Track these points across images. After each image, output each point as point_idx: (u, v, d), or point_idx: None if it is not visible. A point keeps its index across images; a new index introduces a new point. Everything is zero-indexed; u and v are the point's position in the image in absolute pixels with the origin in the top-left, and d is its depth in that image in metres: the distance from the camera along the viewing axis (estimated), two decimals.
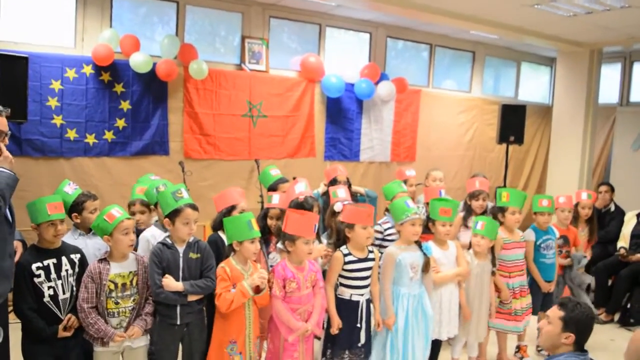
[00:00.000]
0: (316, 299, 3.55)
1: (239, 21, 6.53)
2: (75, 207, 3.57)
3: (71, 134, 5.48)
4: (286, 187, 4.44)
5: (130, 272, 3.22)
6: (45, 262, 3.10)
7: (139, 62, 5.59)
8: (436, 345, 4.24)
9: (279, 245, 3.79)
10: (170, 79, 5.85)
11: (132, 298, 3.20)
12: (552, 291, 4.81)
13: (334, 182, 4.89)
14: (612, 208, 6.70)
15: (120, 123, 5.72)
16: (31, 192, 4.73)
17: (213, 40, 6.57)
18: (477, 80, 8.84)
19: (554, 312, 2.60)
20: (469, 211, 4.87)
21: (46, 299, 3.08)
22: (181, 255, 3.29)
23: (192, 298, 3.27)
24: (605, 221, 6.65)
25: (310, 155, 6.99)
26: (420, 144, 8.03)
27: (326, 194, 4.74)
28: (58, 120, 5.41)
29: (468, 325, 4.29)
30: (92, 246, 3.51)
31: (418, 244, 3.93)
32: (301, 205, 3.82)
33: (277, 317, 3.43)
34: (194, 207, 3.33)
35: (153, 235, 3.57)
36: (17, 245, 3.04)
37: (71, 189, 3.75)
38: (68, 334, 3.12)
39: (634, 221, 6.29)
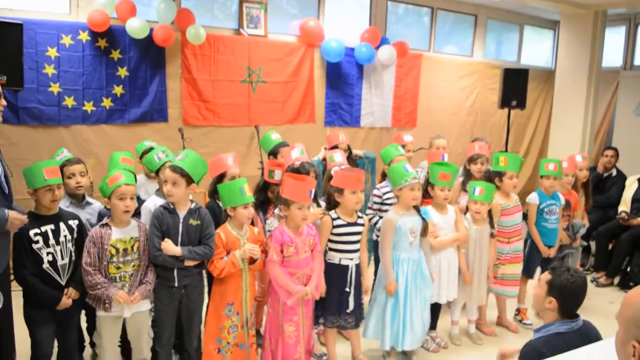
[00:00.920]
0: (315, 263, 3.57)
1: None
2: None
3: (69, 102, 5.43)
4: (285, 150, 4.41)
5: (132, 237, 3.23)
6: (43, 229, 3.10)
7: (135, 27, 5.51)
8: (436, 309, 4.28)
9: (276, 211, 3.80)
10: (167, 45, 5.78)
11: (132, 263, 3.23)
12: (553, 257, 4.82)
13: (335, 148, 4.86)
14: (614, 173, 6.70)
15: (118, 90, 5.67)
16: (30, 160, 4.63)
17: (210, 5, 6.46)
18: (479, 44, 8.72)
19: (545, 275, 2.60)
20: (468, 175, 4.85)
21: (45, 265, 3.10)
22: (181, 220, 3.30)
23: (189, 263, 3.30)
24: (606, 186, 6.66)
25: (310, 121, 6.95)
26: (421, 109, 7.97)
27: (324, 159, 4.72)
28: (55, 88, 5.36)
29: (468, 289, 4.32)
30: (82, 214, 3.51)
31: (416, 208, 3.93)
32: (297, 170, 3.81)
33: (275, 282, 3.46)
34: (174, 169, 3.28)
35: (155, 204, 3.57)
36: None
37: (60, 158, 3.74)
38: (69, 304, 3.15)
39: (635, 185, 6.30)
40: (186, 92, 6.07)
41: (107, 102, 5.63)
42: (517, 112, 8.30)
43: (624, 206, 6.25)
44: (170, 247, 3.23)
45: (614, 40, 9.13)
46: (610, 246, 6.21)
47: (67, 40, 5.37)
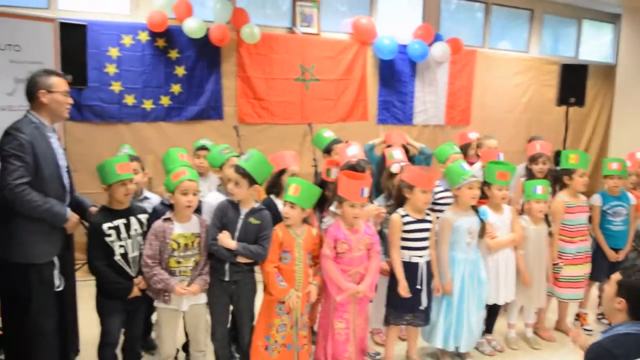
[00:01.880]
0: (371, 263, 3.55)
1: None
2: None
3: (129, 100, 5.60)
4: (340, 147, 4.42)
5: (193, 233, 3.29)
6: (116, 222, 3.20)
7: (192, 27, 5.63)
8: (494, 311, 4.22)
9: (331, 208, 3.80)
10: (223, 44, 5.88)
11: (192, 258, 3.29)
12: (623, 261, 4.65)
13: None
14: None
15: (176, 88, 5.81)
16: (92, 156, 4.88)
17: (264, 4, 6.54)
18: (535, 39, 8.51)
19: (616, 275, 2.52)
20: (530, 175, 4.71)
21: (117, 257, 3.19)
22: (242, 217, 3.35)
23: (241, 259, 3.33)
24: None
25: (363, 119, 6.94)
26: (475, 106, 7.84)
27: (382, 156, 4.68)
28: (116, 87, 5.54)
29: (528, 291, 4.21)
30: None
31: (474, 208, 3.87)
32: (353, 167, 3.80)
33: (327, 276, 3.46)
34: (235, 169, 3.35)
35: (217, 199, 3.63)
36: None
37: (121, 153, 3.85)
38: (138, 293, 3.24)
39: None
40: (241, 90, 6.16)
41: (165, 100, 5.77)
42: (575, 110, 8.06)
43: None
44: (225, 240, 3.27)
45: None
46: None
47: (127, 40, 5.53)
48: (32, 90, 3.04)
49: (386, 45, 6.77)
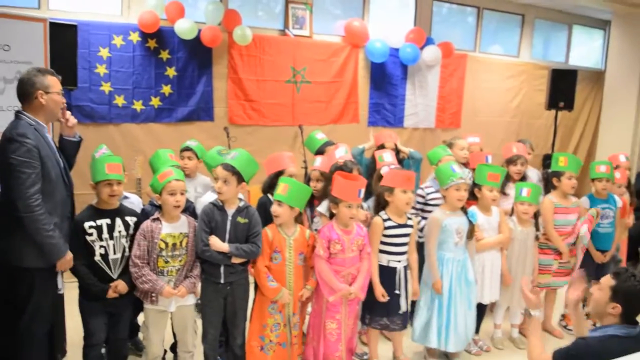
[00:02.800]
0: (362, 264, 3.58)
1: None
2: None
3: (119, 101, 5.59)
4: (331, 149, 4.45)
5: (181, 233, 3.31)
6: (99, 222, 3.20)
7: (184, 28, 5.63)
8: (480, 311, 4.24)
9: (319, 208, 3.83)
10: (214, 45, 5.88)
11: (180, 258, 3.30)
12: (608, 262, 4.69)
13: (381, 147, 4.87)
14: None
15: (166, 89, 5.80)
16: (81, 157, 4.76)
17: (256, 6, 6.55)
18: (526, 44, 8.57)
19: (607, 279, 2.54)
20: (506, 177, 4.77)
21: (97, 257, 3.19)
22: (230, 218, 3.36)
23: (235, 260, 3.35)
24: None
25: (353, 121, 6.96)
26: (465, 110, 7.87)
27: (372, 159, 4.71)
28: (106, 87, 5.52)
29: (511, 292, 4.26)
30: None
31: (463, 209, 3.90)
32: (340, 168, 3.83)
33: (320, 277, 3.48)
34: (225, 166, 3.36)
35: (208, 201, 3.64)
36: None
37: (99, 154, 3.84)
38: (115, 295, 3.22)
39: None
40: (232, 91, 6.16)
41: (155, 101, 5.76)
42: (565, 114, 8.12)
43: None
44: (217, 244, 3.28)
45: None
46: None
47: (118, 40, 5.52)
48: (29, 90, 2.99)
49: (378, 48, 6.79)
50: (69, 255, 3.06)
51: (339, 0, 7.04)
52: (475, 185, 4.13)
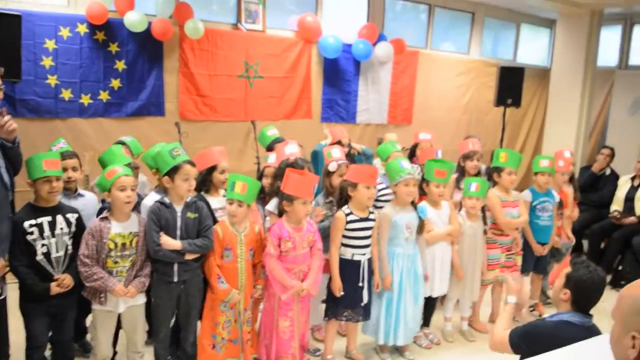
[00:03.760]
0: (313, 260, 3.60)
1: None
2: None
3: (66, 94, 5.43)
4: (280, 146, 4.43)
5: (131, 232, 3.24)
6: (39, 220, 3.11)
7: (133, 21, 5.51)
8: (430, 305, 4.33)
9: (268, 207, 3.81)
10: (165, 39, 5.78)
11: (130, 258, 3.23)
12: (546, 254, 4.86)
13: (338, 143, 4.89)
14: (608, 172, 6.76)
15: (116, 83, 5.67)
16: (26, 153, 4.66)
17: None
18: (475, 42, 8.75)
19: (566, 267, 2.64)
20: (462, 172, 4.89)
21: (39, 257, 3.10)
22: (179, 214, 3.32)
23: (189, 256, 3.31)
24: (599, 185, 6.71)
25: (306, 117, 6.96)
26: (417, 106, 7.99)
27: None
28: (52, 80, 5.36)
29: (461, 285, 4.36)
30: (75, 206, 3.48)
31: (413, 204, 3.97)
32: (292, 165, 3.83)
33: (271, 275, 3.48)
34: (192, 164, 3.35)
35: (154, 201, 3.58)
36: None
37: (56, 148, 3.75)
38: (60, 290, 3.13)
39: (628, 185, 6.35)
40: (183, 86, 6.07)
41: (104, 95, 5.62)
42: (513, 111, 8.33)
43: (617, 205, 6.31)
44: (169, 241, 3.24)
45: (610, 39, 9.17)
46: (602, 245, 6.27)
47: (65, 32, 5.36)
48: None
49: (331, 44, 6.81)
50: (1, 263, 2.96)
51: None
52: (423, 180, 4.21)
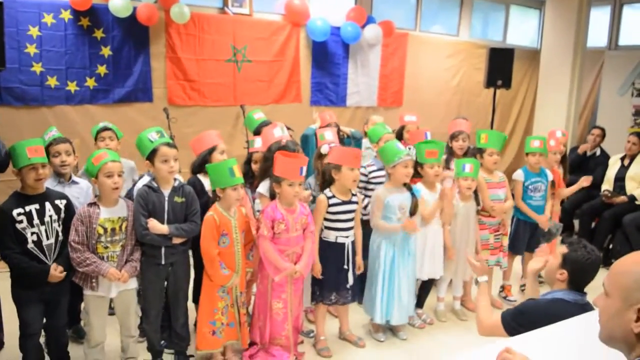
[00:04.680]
0: (306, 242, 3.59)
1: None
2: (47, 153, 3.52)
3: (52, 82, 5.37)
4: (267, 129, 4.39)
5: (120, 217, 3.22)
6: (27, 208, 3.07)
7: (118, 6, 5.43)
8: (426, 287, 4.36)
9: (259, 189, 3.80)
10: (151, 24, 5.71)
11: (120, 243, 3.22)
12: (538, 231, 4.87)
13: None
14: (598, 152, 6.78)
15: (102, 70, 5.61)
16: (13, 142, 4.60)
17: None
18: (465, 23, 8.71)
19: (561, 247, 2.65)
20: (450, 153, 4.89)
21: (30, 245, 3.07)
22: (166, 198, 3.32)
23: (176, 241, 3.33)
24: (590, 165, 6.73)
25: (296, 101, 6.92)
26: (407, 88, 7.96)
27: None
28: (37, 68, 5.29)
29: (454, 265, 4.38)
30: (69, 194, 3.47)
31: (407, 186, 3.96)
32: (283, 148, 3.81)
33: (265, 257, 3.48)
34: (170, 145, 3.35)
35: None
36: None
37: (48, 136, 3.72)
38: (60, 276, 3.12)
39: (618, 164, 6.37)
40: (171, 71, 6.01)
41: (90, 82, 5.56)
42: (503, 92, 8.31)
43: (607, 185, 6.33)
44: (157, 226, 3.24)
45: (599, 20, 9.15)
46: (593, 224, 6.30)
47: (48, 19, 5.28)
48: None
49: (319, 26, 6.76)
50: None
51: None
52: (417, 163, 4.19)
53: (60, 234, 3.20)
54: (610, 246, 6.08)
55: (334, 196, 3.72)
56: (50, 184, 3.41)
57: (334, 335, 4.09)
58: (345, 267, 3.77)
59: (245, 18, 6.41)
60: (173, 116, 5.74)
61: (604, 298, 1.55)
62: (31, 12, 5.21)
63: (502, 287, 4.99)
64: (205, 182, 3.64)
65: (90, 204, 3.19)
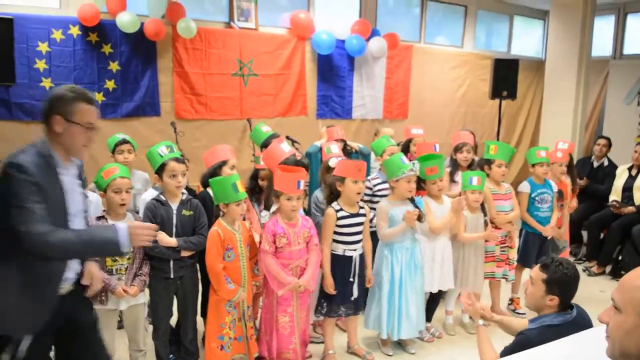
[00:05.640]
0: (310, 256, 3.59)
1: None
2: None
3: None
4: (274, 143, 4.42)
5: None
6: None
7: (126, 21, 5.49)
8: (434, 300, 4.34)
9: (273, 208, 3.81)
10: (158, 39, 5.76)
11: (128, 256, 3.25)
12: (547, 245, 4.85)
13: None
14: (606, 163, 6.76)
15: (110, 84, 5.66)
16: None
17: None
18: (469, 35, 8.74)
19: (537, 273, 2.59)
20: (455, 165, 4.90)
21: None
22: (175, 212, 3.36)
23: (185, 253, 3.36)
24: (598, 176, 6.71)
25: (302, 114, 6.95)
26: (412, 100, 7.98)
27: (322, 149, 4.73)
28: (47, 83, 5.34)
29: (465, 278, 4.35)
30: None
31: (410, 199, 3.96)
32: (300, 162, 3.83)
33: (267, 272, 3.49)
34: (178, 160, 3.40)
35: (151, 197, 3.58)
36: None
37: None
38: None
39: (626, 175, 6.34)
40: (178, 85, 6.05)
41: (99, 97, 5.60)
42: (508, 103, 8.33)
43: (615, 195, 6.30)
44: (165, 239, 3.27)
45: (603, 29, 9.17)
46: (601, 235, 6.27)
47: (57, 35, 5.34)
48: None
49: (324, 40, 6.80)
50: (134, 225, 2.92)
51: None
52: (420, 178, 4.20)
53: None
54: (620, 257, 6.05)
55: (341, 209, 3.73)
56: None
57: (342, 349, 4.08)
58: (351, 279, 3.76)
59: (251, 32, 6.46)
60: (180, 130, 5.77)
61: (614, 314, 1.51)
62: (41, 28, 5.27)
63: (511, 300, 4.98)
64: None
65: (98, 218, 3.22)
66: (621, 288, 1.51)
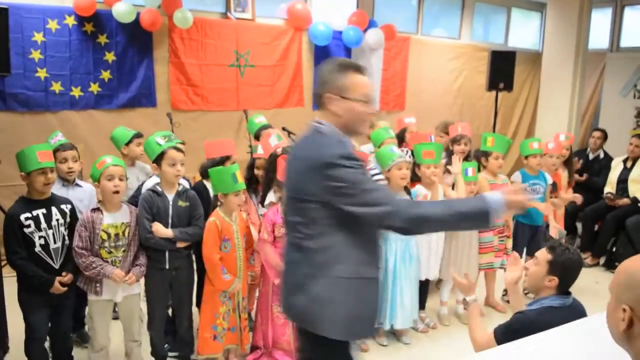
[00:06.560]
0: None
1: None
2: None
3: (56, 87, 5.40)
4: (265, 136, 4.42)
5: (123, 223, 3.24)
6: (35, 212, 3.10)
7: (121, 11, 5.47)
8: (424, 287, 4.35)
9: (269, 198, 3.81)
10: (154, 29, 5.75)
11: (123, 248, 3.24)
12: (538, 236, 4.88)
13: None
14: (602, 155, 6.77)
15: (106, 75, 5.64)
16: (17, 147, 4.55)
17: None
18: (466, 26, 8.73)
19: (543, 254, 2.61)
20: (450, 156, 4.91)
21: (37, 248, 3.10)
22: (170, 202, 3.35)
23: (180, 244, 3.35)
24: (594, 168, 6.73)
25: (298, 105, 6.95)
26: (409, 92, 7.99)
27: None
28: (42, 73, 5.33)
29: (458, 268, 4.37)
30: (73, 197, 3.52)
31: (406, 189, 3.97)
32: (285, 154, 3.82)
33: (265, 261, 3.50)
34: (177, 149, 3.37)
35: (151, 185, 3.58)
36: None
37: (54, 141, 3.76)
38: (62, 289, 3.15)
39: (621, 167, 6.36)
40: (174, 76, 6.05)
41: (94, 87, 5.60)
42: (505, 95, 8.33)
43: (610, 187, 6.33)
44: (161, 230, 3.26)
45: (600, 22, 9.16)
46: (596, 227, 6.30)
47: (53, 25, 5.32)
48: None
49: (321, 31, 6.78)
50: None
51: None
52: (415, 165, 4.22)
53: (66, 237, 3.22)
54: (614, 249, 6.08)
55: None
56: (54, 186, 3.44)
57: None
58: None
59: (247, 23, 6.45)
60: (176, 121, 5.74)
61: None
62: (36, 18, 5.25)
63: (505, 291, 5.00)
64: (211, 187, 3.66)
65: (94, 210, 3.22)
66: (615, 272, 1.56)
